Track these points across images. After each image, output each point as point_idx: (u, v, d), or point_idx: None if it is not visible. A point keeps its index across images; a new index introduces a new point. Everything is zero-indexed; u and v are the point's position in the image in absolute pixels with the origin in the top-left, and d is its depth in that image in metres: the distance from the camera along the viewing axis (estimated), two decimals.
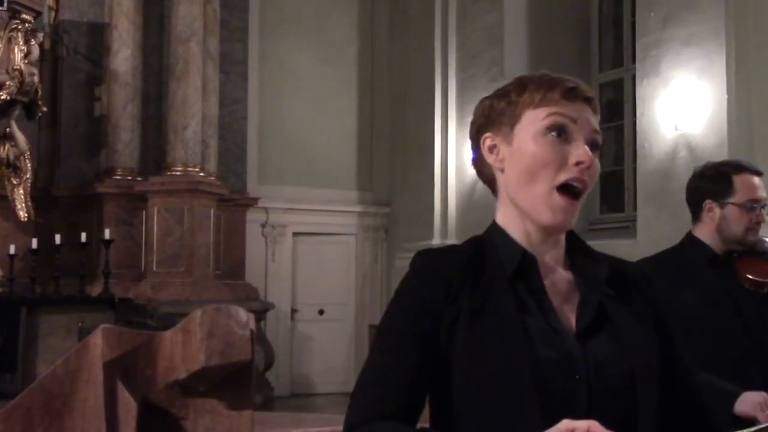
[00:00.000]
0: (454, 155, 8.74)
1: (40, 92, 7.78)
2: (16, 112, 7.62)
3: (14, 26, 7.43)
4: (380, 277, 9.95)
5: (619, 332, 1.29)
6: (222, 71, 8.98)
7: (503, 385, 1.21)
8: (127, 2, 8.41)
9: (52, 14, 8.59)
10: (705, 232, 2.48)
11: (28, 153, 7.80)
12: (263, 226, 9.52)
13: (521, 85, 1.34)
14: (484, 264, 1.32)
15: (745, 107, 6.03)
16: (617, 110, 7.52)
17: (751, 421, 2.00)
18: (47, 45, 8.36)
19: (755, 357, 2.34)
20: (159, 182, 8.20)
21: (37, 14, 7.85)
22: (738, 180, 2.43)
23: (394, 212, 9.98)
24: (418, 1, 9.26)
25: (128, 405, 1.35)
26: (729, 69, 6.01)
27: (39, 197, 8.03)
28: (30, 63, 7.47)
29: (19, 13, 7.48)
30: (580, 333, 1.28)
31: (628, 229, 7.04)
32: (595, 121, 1.32)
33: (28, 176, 7.75)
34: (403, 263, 8.88)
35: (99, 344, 1.37)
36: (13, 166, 7.66)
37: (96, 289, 7.64)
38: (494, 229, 1.37)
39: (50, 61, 8.47)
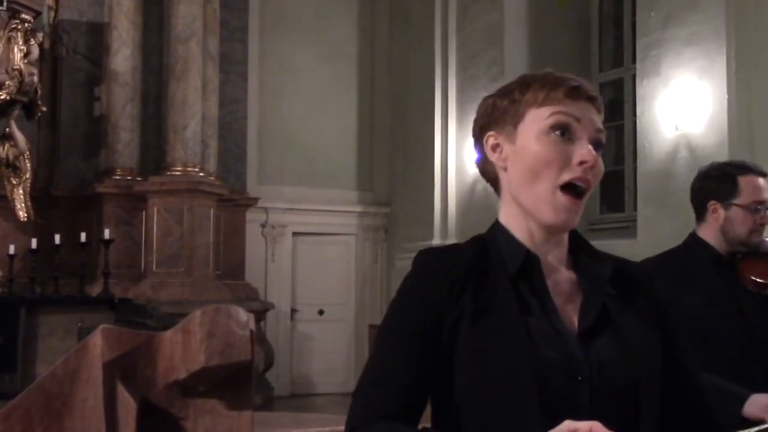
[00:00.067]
0: (454, 155, 8.74)
1: (39, 92, 7.78)
2: (16, 112, 7.62)
3: (14, 26, 7.43)
4: (380, 277, 9.95)
5: (621, 333, 1.28)
6: (222, 71, 8.98)
7: (505, 385, 1.20)
8: (127, 2, 8.41)
9: (52, 14, 8.59)
10: (709, 233, 2.47)
11: (28, 153, 7.80)
12: (263, 226, 9.52)
13: (524, 83, 1.34)
14: (487, 263, 1.31)
15: (745, 107, 6.04)
16: (617, 110, 7.53)
17: (754, 422, 2.00)
18: (47, 45, 8.36)
19: (757, 358, 2.33)
20: (159, 182, 8.19)
21: (37, 14, 7.85)
22: (743, 181, 2.42)
23: (394, 212, 9.98)
24: (418, 1, 9.26)
25: (128, 405, 1.35)
26: (729, 69, 6.01)
27: (38, 197, 8.03)
28: (29, 63, 7.47)
29: (19, 12, 7.48)
30: (583, 334, 1.27)
31: (629, 229, 7.04)
32: (598, 120, 1.32)
33: (27, 176, 7.75)
34: (403, 263, 8.90)
35: (98, 344, 1.37)
36: (13, 166, 7.66)
37: (96, 289, 7.64)
38: (497, 228, 1.37)
39: (50, 60, 8.47)
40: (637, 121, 6.78)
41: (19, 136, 7.69)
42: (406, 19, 9.58)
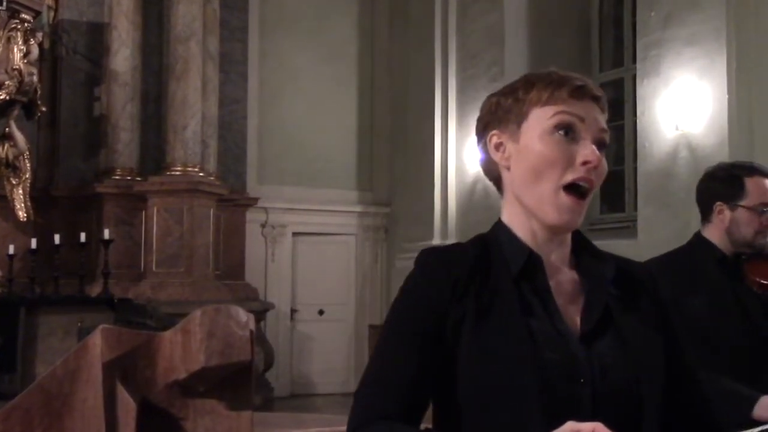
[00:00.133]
0: (454, 155, 8.74)
1: (39, 92, 7.78)
2: (16, 112, 7.62)
3: (13, 26, 7.43)
4: (380, 277, 9.95)
5: (624, 334, 1.28)
6: (222, 71, 8.98)
7: (507, 386, 1.20)
8: (127, 2, 8.41)
9: (52, 14, 8.58)
10: (714, 234, 2.47)
11: (28, 153, 7.79)
12: (263, 226, 9.51)
13: (528, 82, 1.33)
14: (490, 263, 1.31)
15: (745, 107, 6.03)
16: (618, 110, 7.52)
17: (759, 423, 1.99)
18: (46, 45, 8.35)
19: (762, 359, 2.33)
20: (158, 182, 8.19)
21: (37, 14, 7.84)
22: (750, 183, 2.40)
23: (394, 212, 9.98)
24: (418, 1, 9.26)
25: (128, 405, 1.34)
26: (730, 69, 6.01)
27: (38, 197, 8.02)
28: (29, 63, 7.47)
29: (19, 12, 7.48)
30: (585, 335, 1.27)
31: (629, 229, 7.03)
32: (602, 120, 1.31)
33: (27, 176, 7.75)
34: (403, 263, 8.90)
35: (98, 344, 1.36)
36: (13, 166, 7.66)
37: (95, 290, 7.63)
38: (499, 228, 1.36)
39: (49, 60, 8.47)
40: (638, 121, 6.79)
41: (19, 136, 7.69)
42: (406, 19, 9.58)
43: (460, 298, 1.26)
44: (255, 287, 9.03)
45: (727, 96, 6.00)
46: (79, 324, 6.78)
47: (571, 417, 1.11)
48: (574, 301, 1.30)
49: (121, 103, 8.39)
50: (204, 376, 1.38)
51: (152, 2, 8.69)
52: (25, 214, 7.68)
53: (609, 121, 1.34)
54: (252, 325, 1.41)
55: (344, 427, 1.28)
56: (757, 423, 1.65)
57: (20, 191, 7.69)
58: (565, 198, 1.27)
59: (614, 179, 7.54)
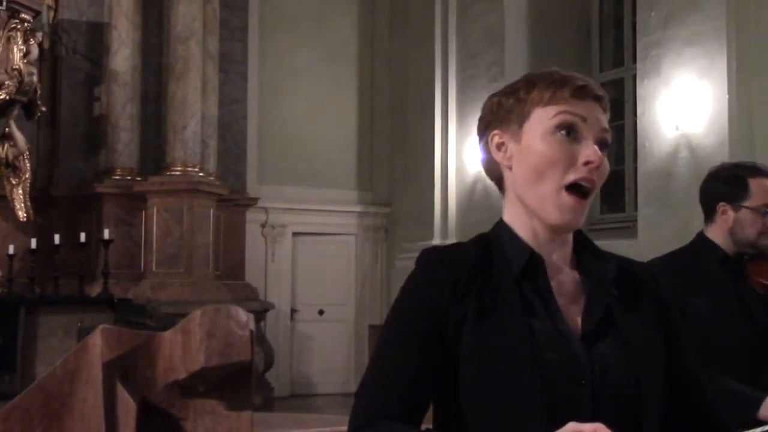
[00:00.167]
0: (454, 155, 8.73)
1: (39, 92, 7.78)
2: (15, 112, 7.62)
3: (13, 26, 7.43)
4: (380, 277, 9.94)
5: (625, 335, 1.28)
6: (222, 71, 8.98)
7: (508, 387, 1.20)
8: (127, 2, 8.41)
9: (51, 14, 8.59)
10: (717, 234, 2.46)
11: (27, 153, 7.80)
12: (263, 226, 9.51)
13: (530, 82, 1.33)
14: (491, 263, 1.30)
15: (745, 107, 6.03)
16: (618, 110, 7.52)
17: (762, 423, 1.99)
18: (46, 44, 8.35)
19: (763, 360, 2.33)
20: (158, 182, 8.19)
21: (36, 14, 7.85)
22: (754, 184, 2.40)
23: (394, 212, 9.98)
24: (418, 1, 9.26)
25: (127, 405, 1.34)
26: (730, 69, 6.01)
27: (38, 197, 8.03)
28: (29, 62, 7.47)
29: (18, 12, 7.48)
30: (586, 335, 1.26)
31: (629, 229, 7.03)
32: (604, 119, 1.31)
33: (27, 176, 7.75)
34: (403, 263, 8.90)
35: (98, 344, 1.36)
36: (12, 166, 7.66)
37: (95, 290, 7.63)
38: (501, 227, 1.36)
39: (49, 60, 8.47)
40: (638, 121, 6.79)
41: (19, 136, 7.69)
42: (406, 19, 9.58)
43: (461, 298, 1.26)
44: (255, 287, 9.03)
45: (727, 96, 6.00)
46: (79, 324, 6.78)
47: (571, 417, 1.11)
48: (575, 302, 1.30)
49: (121, 103, 8.39)
50: (204, 376, 1.38)
51: (152, 2, 8.69)
52: (25, 214, 7.68)
53: (609, 121, 1.33)
54: (252, 325, 1.41)
55: (344, 428, 1.28)
56: (761, 423, 1.64)
57: (20, 191, 7.69)
58: (566, 198, 1.27)
59: (614, 179, 7.54)
